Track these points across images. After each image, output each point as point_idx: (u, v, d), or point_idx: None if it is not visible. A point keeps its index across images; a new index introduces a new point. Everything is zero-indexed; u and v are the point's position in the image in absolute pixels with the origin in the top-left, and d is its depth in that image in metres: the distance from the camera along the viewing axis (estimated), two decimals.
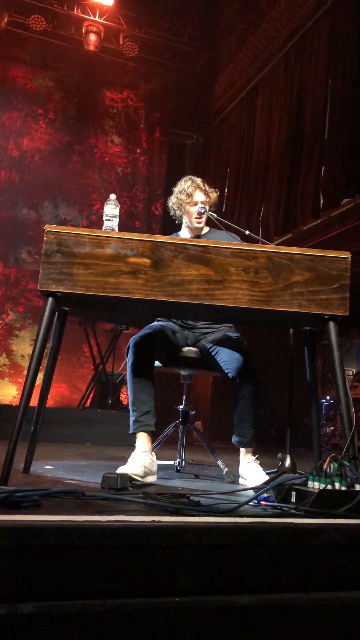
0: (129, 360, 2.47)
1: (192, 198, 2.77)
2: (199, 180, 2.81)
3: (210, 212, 2.74)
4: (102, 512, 1.47)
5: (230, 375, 2.53)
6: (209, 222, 2.84)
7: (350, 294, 2.12)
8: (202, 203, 2.77)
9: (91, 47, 7.37)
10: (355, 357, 6.40)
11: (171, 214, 2.89)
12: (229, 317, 2.57)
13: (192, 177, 2.85)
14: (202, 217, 2.77)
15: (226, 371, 2.55)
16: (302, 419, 2.60)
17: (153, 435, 2.46)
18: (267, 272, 2.06)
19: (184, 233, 2.90)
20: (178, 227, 2.98)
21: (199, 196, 2.78)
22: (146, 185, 8.13)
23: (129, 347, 2.49)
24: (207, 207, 2.79)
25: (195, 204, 2.77)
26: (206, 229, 2.88)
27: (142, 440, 2.39)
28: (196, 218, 2.77)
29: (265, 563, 1.40)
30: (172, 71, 8.21)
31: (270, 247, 2.16)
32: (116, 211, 2.28)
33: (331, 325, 2.10)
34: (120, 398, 6.09)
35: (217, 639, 1.30)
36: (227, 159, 7.97)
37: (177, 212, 2.84)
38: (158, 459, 2.48)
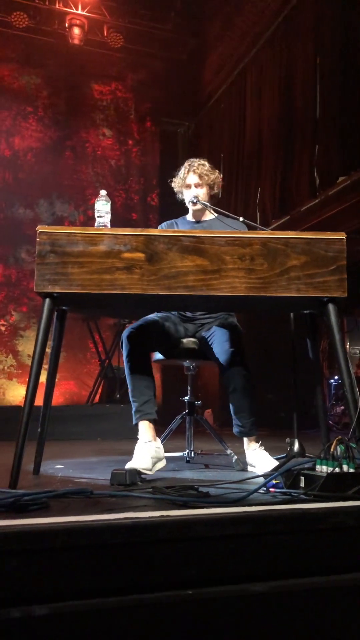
0: (124, 352, 2.48)
1: (185, 181, 2.77)
2: (196, 163, 2.77)
3: (203, 202, 2.72)
4: (110, 510, 1.48)
5: (220, 367, 2.54)
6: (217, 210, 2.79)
7: (353, 273, 2.10)
8: (195, 186, 2.75)
9: (76, 41, 7.28)
10: None
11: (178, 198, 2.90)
12: (227, 306, 2.56)
13: (193, 159, 2.81)
14: (196, 204, 2.75)
15: (217, 363, 2.56)
16: (311, 401, 2.61)
17: (156, 423, 2.46)
18: (263, 258, 2.05)
19: (189, 216, 2.91)
20: (178, 214, 2.98)
21: (191, 179, 2.76)
22: (140, 176, 8.07)
23: (122, 340, 2.49)
24: (204, 190, 2.75)
25: (189, 186, 2.76)
26: (212, 217, 2.81)
27: (144, 430, 2.39)
28: (190, 202, 2.77)
29: (276, 550, 1.40)
30: (159, 60, 8.11)
31: (265, 233, 2.15)
32: (107, 207, 2.26)
33: (330, 307, 2.09)
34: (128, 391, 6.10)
35: (230, 628, 1.31)
36: (220, 145, 7.90)
37: (179, 195, 2.86)
38: (167, 451, 2.49)
